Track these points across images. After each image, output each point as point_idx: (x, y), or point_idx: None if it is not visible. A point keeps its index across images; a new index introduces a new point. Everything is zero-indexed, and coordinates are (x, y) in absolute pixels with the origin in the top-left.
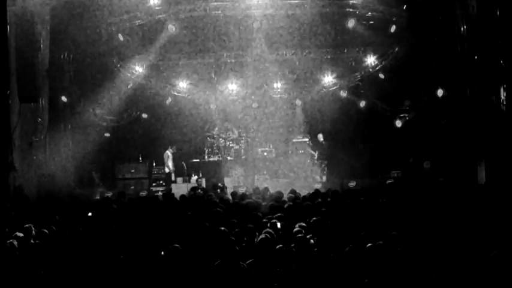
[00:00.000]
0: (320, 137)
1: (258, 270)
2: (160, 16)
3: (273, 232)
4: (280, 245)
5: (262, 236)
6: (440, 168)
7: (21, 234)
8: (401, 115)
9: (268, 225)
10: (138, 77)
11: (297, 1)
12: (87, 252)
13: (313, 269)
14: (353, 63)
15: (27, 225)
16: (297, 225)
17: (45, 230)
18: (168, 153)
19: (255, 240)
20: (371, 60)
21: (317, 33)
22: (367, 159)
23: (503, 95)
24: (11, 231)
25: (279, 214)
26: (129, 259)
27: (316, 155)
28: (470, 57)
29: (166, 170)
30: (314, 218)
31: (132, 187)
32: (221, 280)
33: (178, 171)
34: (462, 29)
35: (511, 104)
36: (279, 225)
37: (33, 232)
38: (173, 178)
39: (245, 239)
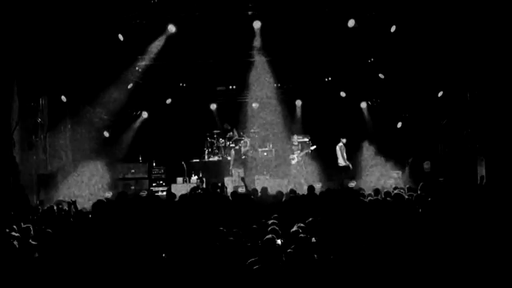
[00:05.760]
0: None
1: (258, 270)
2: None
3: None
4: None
5: (269, 236)
6: (440, 168)
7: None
8: (402, 115)
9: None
10: (138, 77)
11: (297, 1)
12: (87, 253)
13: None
14: (353, 63)
15: (26, 225)
16: (295, 226)
17: (49, 230)
18: (341, 144)
19: (259, 241)
20: (371, 60)
21: (317, 33)
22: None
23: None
24: (11, 231)
25: (276, 215)
26: (129, 259)
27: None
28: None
29: (341, 164)
30: (311, 219)
31: (132, 187)
32: (221, 280)
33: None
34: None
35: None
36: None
37: (32, 232)
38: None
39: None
